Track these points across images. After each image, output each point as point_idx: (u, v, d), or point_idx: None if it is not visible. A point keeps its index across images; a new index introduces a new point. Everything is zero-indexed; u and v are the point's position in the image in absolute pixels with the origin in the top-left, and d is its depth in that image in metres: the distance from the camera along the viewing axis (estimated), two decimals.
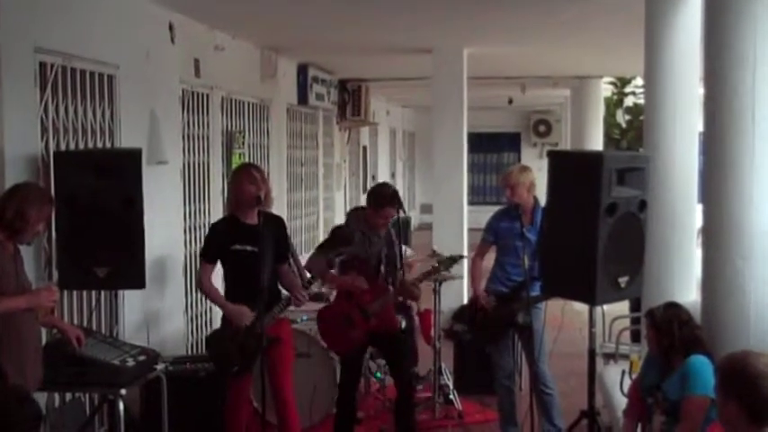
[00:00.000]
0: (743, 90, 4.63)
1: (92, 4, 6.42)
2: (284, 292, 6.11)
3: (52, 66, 5.91)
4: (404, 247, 6.67)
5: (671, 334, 4.63)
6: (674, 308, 4.78)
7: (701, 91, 5.30)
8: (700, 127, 5.59)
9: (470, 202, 11.97)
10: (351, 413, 6.63)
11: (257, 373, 5.72)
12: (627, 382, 5.38)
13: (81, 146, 6.31)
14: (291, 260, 6.75)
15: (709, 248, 4.92)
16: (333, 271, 6.56)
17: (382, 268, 6.46)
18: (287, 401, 5.98)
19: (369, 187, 17.85)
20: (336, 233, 6.59)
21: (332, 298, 8.19)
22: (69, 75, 6.15)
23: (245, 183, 5.85)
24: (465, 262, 8.07)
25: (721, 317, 4.78)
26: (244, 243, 5.78)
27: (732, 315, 4.72)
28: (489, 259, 6.90)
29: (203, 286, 6.01)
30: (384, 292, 6.44)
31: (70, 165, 5.64)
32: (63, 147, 6.07)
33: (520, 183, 6.56)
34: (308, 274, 6.32)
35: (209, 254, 6.02)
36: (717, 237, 4.82)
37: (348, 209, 15.04)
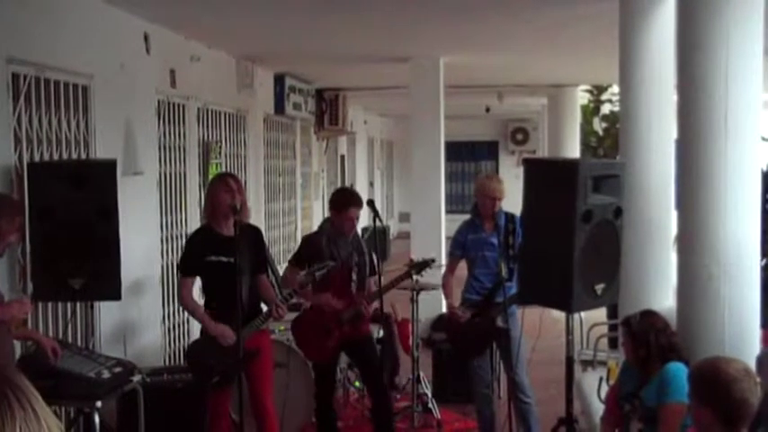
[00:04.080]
0: (716, 97, 4.67)
1: (65, 15, 6.39)
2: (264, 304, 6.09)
3: (25, 76, 5.87)
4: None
5: (647, 343, 4.63)
6: (649, 316, 4.79)
7: (675, 98, 5.34)
8: (675, 134, 5.63)
9: (448, 211, 11.99)
10: (331, 422, 6.62)
11: (236, 386, 5.69)
12: (604, 389, 5.39)
13: (55, 157, 6.27)
14: (270, 271, 6.74)
15: (684, 254, 4.95)
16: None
17: (354, 275, 6.45)
18: (267, 413, 5.95)
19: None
20: (304, 240, 6.64)
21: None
22: (43, 85, 6.12)
23: (221, 192, 5.82)
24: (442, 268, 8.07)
25: (697, 322, 4.81)
26: (219, 254, 5.75)
27: (707, 321, 4.75)
28: (462, 269, 6.93)
29: (185, 302, 5.96)
30: (356, 300, 6.43)
31: (45, 176, 5.60)
32: (37, 158, 6.02)
33: (504, 192, 6.63)
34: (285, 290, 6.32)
35: (186, 267, 5.98)
36: (691, 242, 4.85)
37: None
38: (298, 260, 6.53)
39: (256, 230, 6.16)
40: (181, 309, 8.39)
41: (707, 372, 3.47)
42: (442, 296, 7.13)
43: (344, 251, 6.42)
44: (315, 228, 14.20)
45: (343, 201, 6.48)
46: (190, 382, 6.21)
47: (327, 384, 6.61)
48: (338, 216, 6.43)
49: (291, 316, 7.42)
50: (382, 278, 6.46)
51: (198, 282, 6.11)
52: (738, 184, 4.69)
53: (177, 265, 6.27)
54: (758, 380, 3.55)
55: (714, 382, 3.38)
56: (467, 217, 6.96)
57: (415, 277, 7.39)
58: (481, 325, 6.58)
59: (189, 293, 5.94)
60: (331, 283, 6.35)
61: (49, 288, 5.57)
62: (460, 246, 6.79)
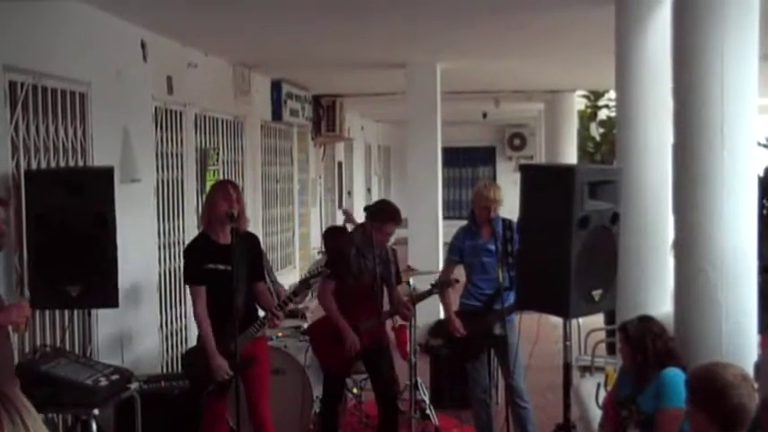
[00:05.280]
0: (712, 102, 4.68)
1: (62, 23, 6.39)
2: (261, 311, 6.08)
3: (22, 84, 5.87)
4: None
5: (644, 348, 4.62)
6: (646, 321, 4.78)
7: (672, 103, 5.35)
8: (671, 139, 5.64)
9: (446, 217, 12.00)
10: (333, 428, 6.62)
11: (233, 393, 5.68)
12: (602, 395, 5.39)
13: (53, 164, 6.27)
14: (267, 278, 6.72)
15: (681, 259, 4.96)
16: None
17: (376, 286, 6.43)
18: (264, 421, 5.93)
19: (344, 202, 17.88)
20: (335, 253, 6.57)
21: (308, 314, 8.20)
22: (40, 93, 6.12)
23: (220, 198, 5.79)
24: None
25: (694, 328, 4.81)
26: (217, 262, 5.71)
27: (705, 326, 4.75)
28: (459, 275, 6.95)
29: (200, 321, 5.79)
30: (378, 311, 6.42)
31: (42, 183, 5.60)
32: (34, 165, 6.02)
33: (502, 201, 6.64)
34: (285, 292, 6.31)
35: (192, 277, 5.87)
36: (688, 247, 4.85)
37: (323, 225, 15.06)
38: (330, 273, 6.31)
39: (253, 238, 6.14)
40: (178, 315, 8.41)
41: (703, 377, 3.47)
42: (440, 303, 7.11)
43: (371, 263, 6.40)
44: (312, 234, 14.29)
45: (385, 215, 6.42)
46: (187, 389, 6.20)
47: (336, 392, 6.61)
48: (377, 227, 6.37)
49: (289, 323, 7.45)
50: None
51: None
52: (735, 189, 4.69)
53: (183, 279, 6.18)
54: (755, 385, 3.56)
55: (710, 387, 3.38)
56: (464, 223, 6.96)
57: (412, 283, 7.41)
58: (478, 329, 6.58)
59: (203, 306, 5.77)
60: (355, 293, 6.35)
61: (47, 295, 5.56)
62: (458, 251, 6.79)
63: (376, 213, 6.46)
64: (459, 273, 6.97)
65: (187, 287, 6.05)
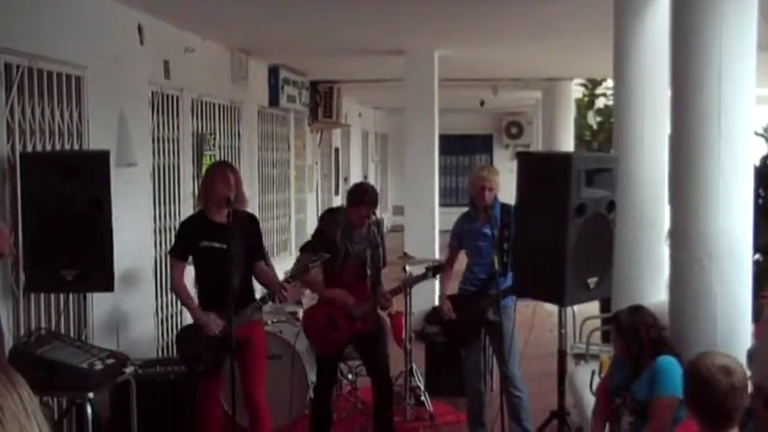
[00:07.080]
0: (709, 92, 4.68)
1: (58, 5, 6.37)
2: (260, 291, 6.07)
3: (18, 67, 5.85)
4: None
5: (639, 339, 4.60)
6: (638, 312, 4.75)
7: (669, 93, 5.35)
8: (669, 128, 5.64)
9: (442, 204, 12.00)
10: (327, 414, 6.62)
11: (228, 376, 5.69)
12: (596, 383, 5.39)
13: (48, 147, 6.25)
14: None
15: (677, 248, 4.96)
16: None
17: (368, 270, 6.43)
18: (258, 404, 5.93)
19: (341, 189, 17.88)
20: (320, 230, 6.58)
21: (303, 300, 8.19)
22: (36, 76, 6.10)
23: (217, 182, 5.77)
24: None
25: (689, 316, 4.83)
26: (212, 240, 5.70)
27: (699, 314, 4.76)
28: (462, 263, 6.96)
29: (175, 285, 5.91)
30: (369, 294, 6.43)
31: (37, 166, 5.58)
32: (30, 148, 6.01)
33: (497, 182, 6.64)
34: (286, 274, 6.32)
35: (177, 250, 5.95)
36: (684, 237, 4.86)
37: (320, 211, 15.06)
38: (312, 249, 6.34)
39: (252, 218, 6.13)
40: (174, 300, 8.41)
41: (688, 373, 3.47)
42: (436, 288, 7.13)
43: (358, 246, 6.39)
44: (309, 220, 14.29)
45: (357, 198, 6.41)
46: (182, 373, 6.21)
47: (328, 379, 6.60)
48: (351, 210, 6.41)
49: (287, 308, 7.44)
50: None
51: (191, 272, 6.09)
52: (731, 179, 4.70)
53: (169, 250, 6.23)
54: (748, 374, 3.55)
55: (695, 380, 3.37)
56: (460, 210, 6.98)
57: (408, 270, 7.41)
58: (471, 314, 6.59)
59: (179, 277, 5.87)
60: (344, 278, 6.34)
61: (42, 279, 5.56)
62: (458, 237, 6.80)
63: (349, 196, 6.54)
64: (461, 259, 6.97)
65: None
